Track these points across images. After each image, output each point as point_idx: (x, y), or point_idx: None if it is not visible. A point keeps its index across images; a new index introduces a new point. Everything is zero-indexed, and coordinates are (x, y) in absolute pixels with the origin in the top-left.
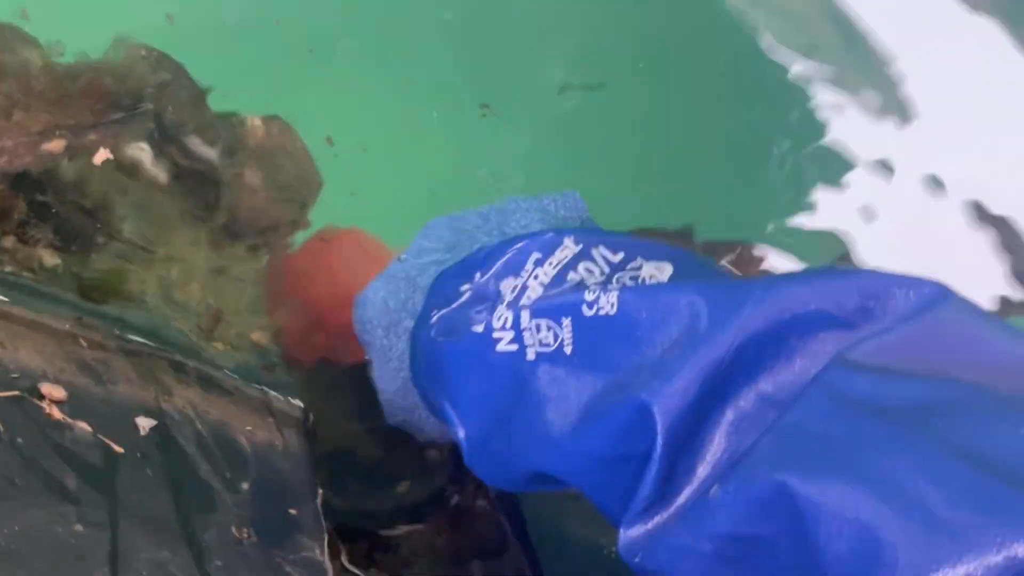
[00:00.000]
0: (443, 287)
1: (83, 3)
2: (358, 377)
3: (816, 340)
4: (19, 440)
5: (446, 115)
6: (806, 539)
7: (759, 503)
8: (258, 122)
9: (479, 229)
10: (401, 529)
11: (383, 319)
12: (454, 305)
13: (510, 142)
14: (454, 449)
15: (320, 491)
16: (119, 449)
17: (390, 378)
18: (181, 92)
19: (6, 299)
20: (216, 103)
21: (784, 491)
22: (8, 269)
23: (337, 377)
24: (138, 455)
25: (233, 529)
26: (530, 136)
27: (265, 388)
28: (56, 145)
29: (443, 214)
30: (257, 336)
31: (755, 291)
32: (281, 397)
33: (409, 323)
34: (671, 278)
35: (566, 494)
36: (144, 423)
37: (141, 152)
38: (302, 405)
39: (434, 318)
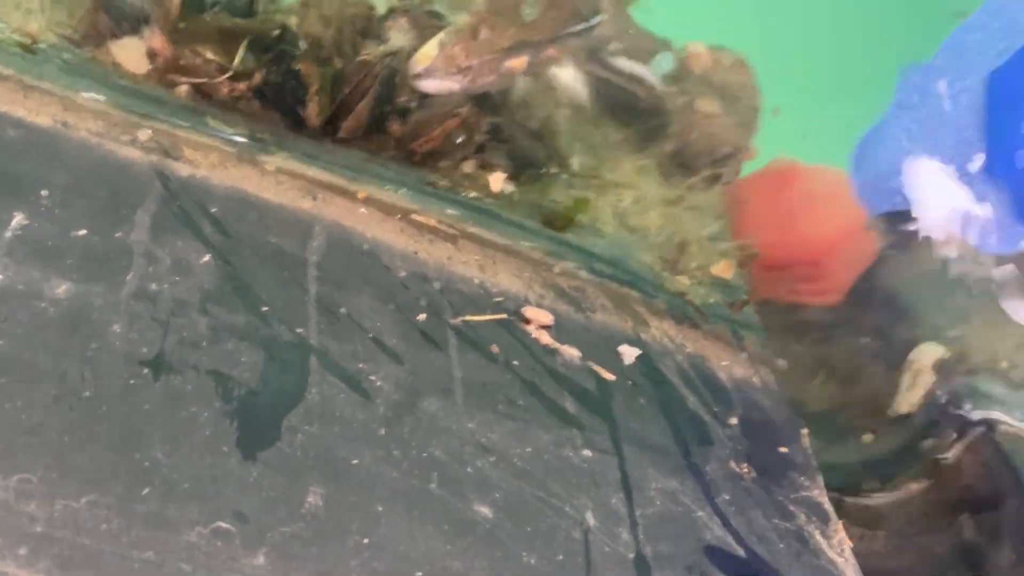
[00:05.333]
0: (1002, 107)
1: None
2: (819, 321)
3: None
4: (514, 362)
5: None
6: None
7: None
8: (702, 49)
9: (984, 42)
10: (870, 488)
11: (938, 163)
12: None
13: None
14: (928, 396)
15: (806, 430)
16: (610, 376)
17: (979, 221)
18: (609, 5)
19: (481, 225)
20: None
21: None
22: (473, 195)
23: (796, 320)
24: (628, 383)
25: (732, 463)
26: None
27: (734, 326)
28: (519, 62)
29: None
30: (720, 270)
31: None
32: (751, 335)
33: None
34: None
35: None
36: (628, 352)
37: (571, 74)
38: (777, 355)
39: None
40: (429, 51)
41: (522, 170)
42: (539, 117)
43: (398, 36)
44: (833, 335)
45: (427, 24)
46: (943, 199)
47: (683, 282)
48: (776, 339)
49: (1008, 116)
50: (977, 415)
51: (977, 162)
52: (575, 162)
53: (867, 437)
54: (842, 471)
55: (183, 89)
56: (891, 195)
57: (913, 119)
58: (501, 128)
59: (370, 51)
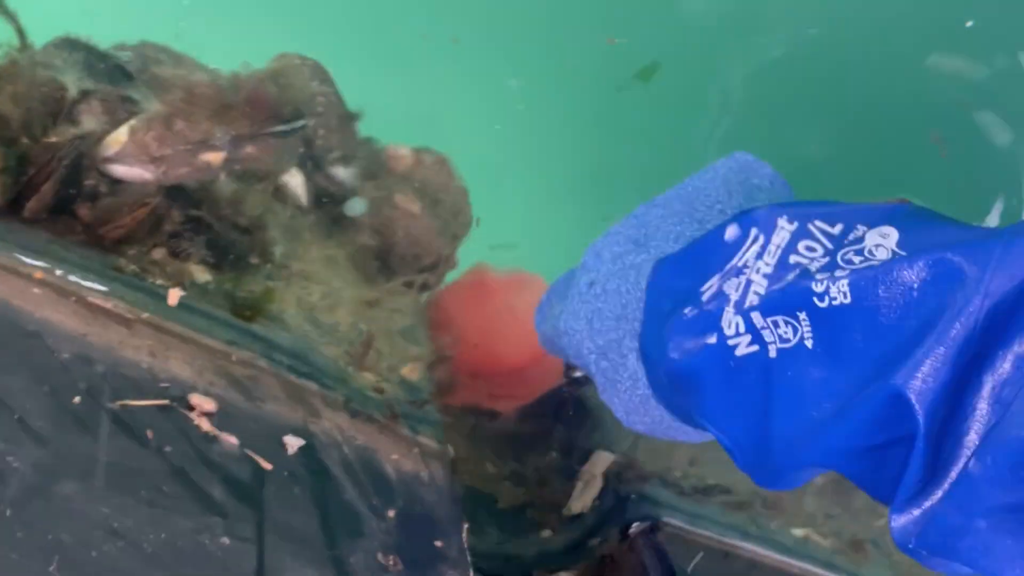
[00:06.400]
0: (660, 298)
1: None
2: (507, 423)
3: None
4: (167, 448)
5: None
6: None
7: (1021, 467)
8: (404, 151)
9: (665, 219)
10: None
11: (594, 342)
12: (679, 321)
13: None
14: (600, 498)
15: (466, 525)
16: (267, 465)
17: (623, 398)
18: (332, 116)
19: (161, 312)
20: (365, 128)
21: None
22: (159, 282)
23: (485, 421)
24: (285, 473)
25: (379, 555)
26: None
27: (412, 422)
28: (215, 157)
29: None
30: (408, 371)
31: (995, 250)
32: (427, 432)
33: (629, 342)
34: (899, 244)
35: (718, 549)
36: (292, 442)
37: (292, 178)
38: (448, 444)
39: (662, 337)
40: (119, 136)
41: (222, 260)
42: (252, 215)
43: (90, 120)
44: (521, 445)
45: (121, 109)
46: (595, 367)
47: (368, 378)
48: (462, 443)
49: (662, 303)
50: (642, 517)
51: (629, 337)
52: (277, 252)
53: (545, 533)
54: (519, 562)
55: None
56: (562, 351)
57: (585, 282)
58: (203, 221)
59: (60, 133)
